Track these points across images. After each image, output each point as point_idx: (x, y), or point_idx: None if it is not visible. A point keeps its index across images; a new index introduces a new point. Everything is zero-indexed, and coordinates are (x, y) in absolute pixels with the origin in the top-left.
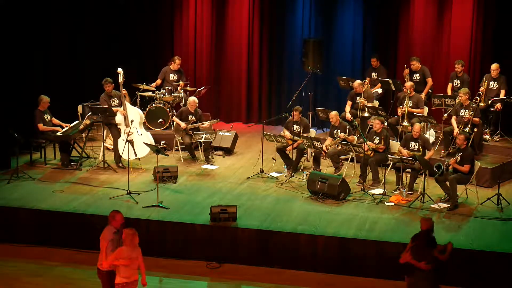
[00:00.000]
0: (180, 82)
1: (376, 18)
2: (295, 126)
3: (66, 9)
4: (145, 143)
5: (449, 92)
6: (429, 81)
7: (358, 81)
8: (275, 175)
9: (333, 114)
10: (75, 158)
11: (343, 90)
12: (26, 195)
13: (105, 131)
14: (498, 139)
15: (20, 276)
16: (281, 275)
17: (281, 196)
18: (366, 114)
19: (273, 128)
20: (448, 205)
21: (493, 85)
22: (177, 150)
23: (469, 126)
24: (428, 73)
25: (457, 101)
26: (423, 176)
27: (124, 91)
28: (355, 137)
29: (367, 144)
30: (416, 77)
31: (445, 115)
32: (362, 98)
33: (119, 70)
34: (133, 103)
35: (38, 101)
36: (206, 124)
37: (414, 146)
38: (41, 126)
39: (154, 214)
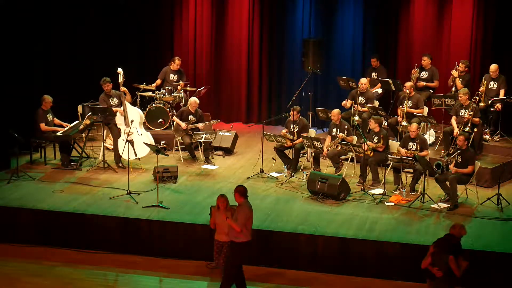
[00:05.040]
0: (180, 82)
1: (376, 18)
2: (293, 125)
3: (66, 9)
4: (145, 143)
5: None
6: (436, 83)
7: (366, 79)
8: (275, 175)
9: (335, 112)
10: (75, 158)
11: (343, 90)
12: (26, 195)
13: (105, 131)
14: (498, 139)
15: (20, 276)
16: (281, 275)
17: (281, 196)
18: (356, 118)
19: (273, 128)
20: (448, 205)
21: (493, 85)
22: (177, 150)
23: (468, 126)
24: (437, 75)
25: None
26: (423, 176)
27: (124, 89)
28: (355, 137)
29: (366, 144)
30: (424, 75)
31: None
32: (358, 102)
33: (119, 70)
34: (133, 103)
35: (41, 101)
36: (201, 125)
37: (412, 146)
38: (43, 126)
39: (154, 214)
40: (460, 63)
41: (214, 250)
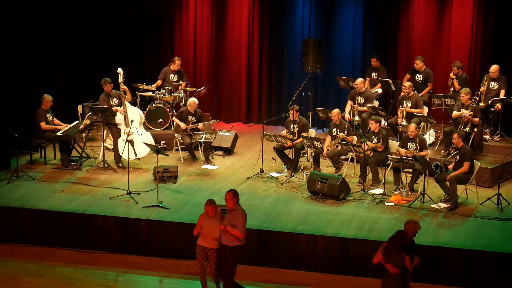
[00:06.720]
0: (181, 83)
1: (376, 18)
2: (293, 125)
3: (66, 9)
4: (145, 143)
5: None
6: (430, 85)
7: (360, 79)
8: (275, 175)
9: (336, 112)
10: (75, 158)
11: (343, 90)
12: (26, 195)
13: (105, 131)
14: (498, 139)
15: (20, 276)
16: (281, 275)
17: (281, 196)
18: (356, 118)
19: (273, 128)
20: (448, 205)
21: (493, 85)
22: (177, 150)
23: (468, 126)
24: (431, 77)
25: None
26: (423, 176)
27: (123, 87)
28: (355, 137)
29: (366, 144)
30: (419, 77)
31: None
32: (357, 102)
33: (119, 70)
34: (133, 103)
35: (41, 100)
36: (201, 125)
37: (411, 146)
38: (43, 124)
39: (154, 214)
40: (452, 66)
41: (198, 257)
